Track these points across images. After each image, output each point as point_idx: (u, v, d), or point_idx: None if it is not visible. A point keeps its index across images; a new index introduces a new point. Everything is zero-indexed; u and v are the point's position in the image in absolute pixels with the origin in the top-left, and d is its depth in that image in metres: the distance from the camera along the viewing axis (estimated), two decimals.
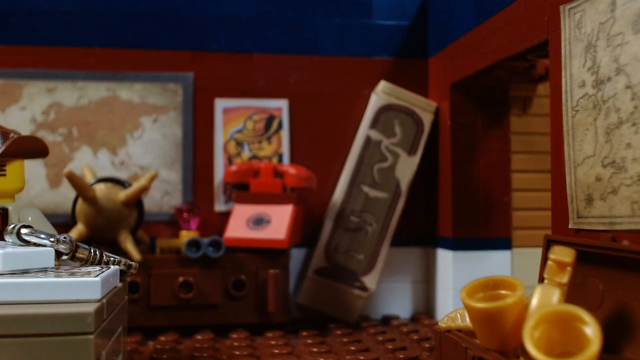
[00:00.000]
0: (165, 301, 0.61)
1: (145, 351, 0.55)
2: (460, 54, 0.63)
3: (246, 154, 0.70)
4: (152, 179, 0.65)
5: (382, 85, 0.68)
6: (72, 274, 0.37)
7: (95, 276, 0.36)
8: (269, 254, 0.62)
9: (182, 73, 0.69)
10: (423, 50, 0.73)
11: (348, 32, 0.72)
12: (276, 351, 0.54)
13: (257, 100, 0.70)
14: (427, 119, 0.68)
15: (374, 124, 0.67)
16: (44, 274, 0.37)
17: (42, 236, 0.40)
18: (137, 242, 0.63)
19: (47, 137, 0.66)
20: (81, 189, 0.60)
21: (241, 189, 0.67)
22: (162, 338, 0.59)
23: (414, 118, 0.68)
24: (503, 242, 0.65)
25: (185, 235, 0.65)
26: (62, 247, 0.40)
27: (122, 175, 0.67)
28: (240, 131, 0.70)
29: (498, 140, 0.66)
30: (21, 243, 0.39)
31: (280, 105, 0.70)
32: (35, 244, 0.39)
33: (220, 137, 0.69)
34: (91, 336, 0.33)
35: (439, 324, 0.41)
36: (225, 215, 0.69)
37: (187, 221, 0.66)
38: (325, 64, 0.71)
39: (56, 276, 0.36)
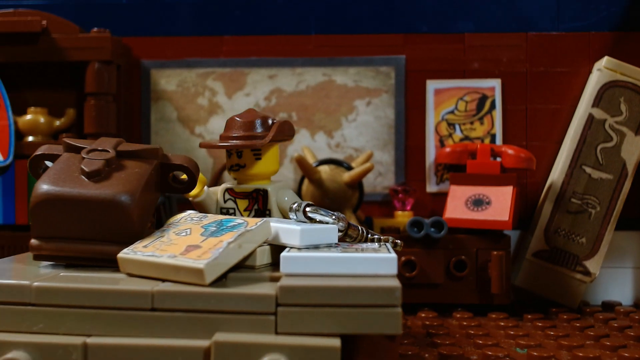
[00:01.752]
0: None
1: None
2: None
3: (457, 135, 0.69)
4: (369, 158, 0.67)
5: (606, 61, 0.65)
6: (362, 250, 0.39)
7: (389, 252, 0.38)
8: (490, 235, 0.62)
9: (394, 56, 0.70)
10: None
11: (564, 6, 0.69)
12: (511, 332, 0.54)
13: (468, 81, 0.69)
14: None
15: (596, 102, 0.64)
16: (335, 249, 0.39)
17: (323, 213, 0.42)
18: (359, 222, 0.65)
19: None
20: (308, 172, 0.63)
21: (454, 170, 0.67)
22: None
23: None
24: None
25: (401, 216, 0.67)
26: (340, 225, 0.42)
27: (337, 157, 0.69)
28: (451, 112, 0.70)
29: None
30: (305, 220, 0.42)
31: (493, 85, 0.69)
32: (319, 221, 0.42)
33: (431, 119, 0.70)
34: (399, 309, 0.35)
35: None
36: (437, 196, 0.69)
37: (403, 202, 0.67)
38: (539, 41, 0.69)
39: (351, 251, 0.38)
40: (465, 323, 0.58)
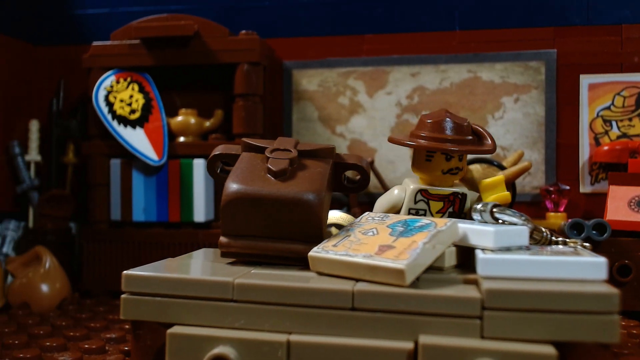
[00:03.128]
0: None
1: None
2: None
3: (614, 132, 0.66)
4: (520, 158, 0.65)
5: None
6: (561, 253, 0.37)
7: (594, 256, 0.36)
8: None
9: (545, 50, 0.67)
10: None
11: None
12: None
13: (626, 75, 0.65)
14: None
15: None
16: (529, 251, 0.38)
17: (510, 214, 0.40)
18: None
19: (411, 120, 0.69)
20: None
21: (612, 169, 0.64)
22: None
23: None
24: None
25: (553, 217, 0.64)
26: (529, 226, 0.40)
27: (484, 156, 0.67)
28: (607, 108, 0.66)
29: None
30: (492, 221, 0.41)
31: None
32: (506, 222, 0.40)
33: (585, 115, 0.66)
34: (617, 316, 0.33)
35: None
36: (592, 197, 0.66)
37: (556, 202, 0.64)
38: None
39: (551, 254, 0.36)
40: (634, 332, 0.54)
